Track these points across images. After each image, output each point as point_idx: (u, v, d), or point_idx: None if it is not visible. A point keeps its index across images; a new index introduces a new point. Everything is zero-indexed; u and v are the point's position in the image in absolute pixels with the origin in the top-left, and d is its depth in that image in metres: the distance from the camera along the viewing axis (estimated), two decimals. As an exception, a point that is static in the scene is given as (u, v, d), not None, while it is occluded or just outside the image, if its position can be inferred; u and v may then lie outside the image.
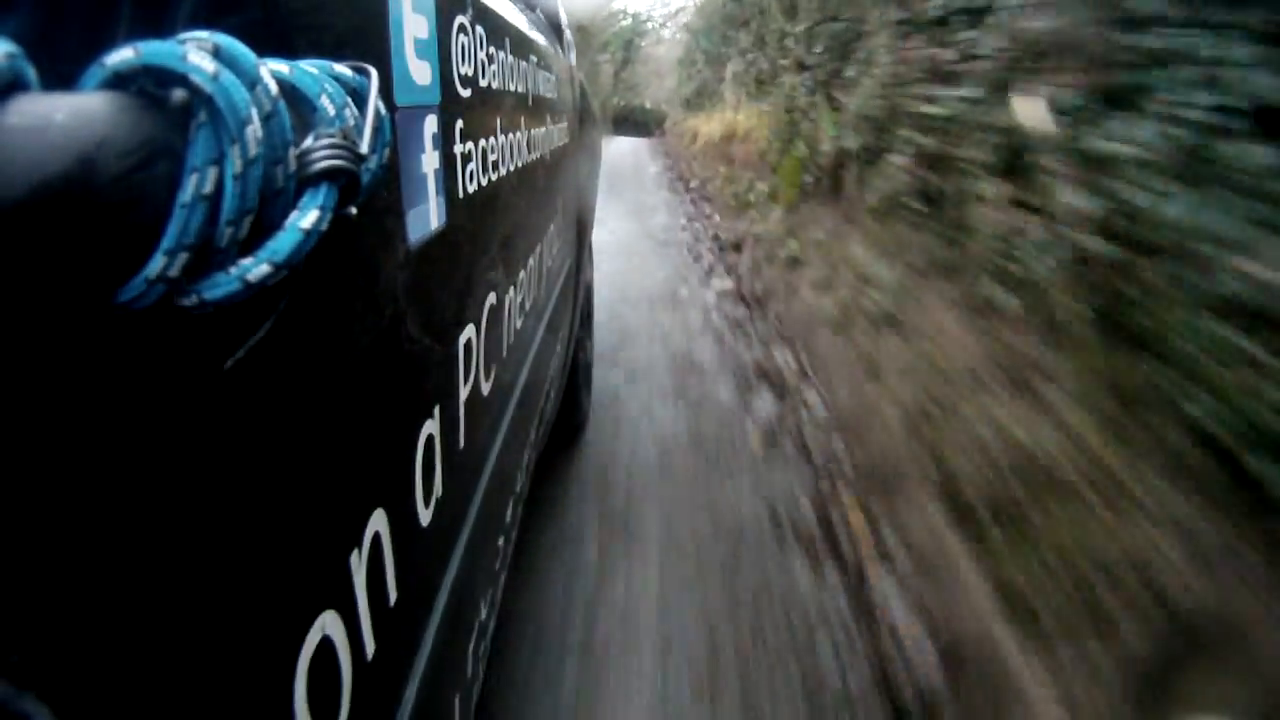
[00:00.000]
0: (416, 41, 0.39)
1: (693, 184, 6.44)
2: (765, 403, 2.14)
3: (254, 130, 0.18)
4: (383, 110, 0.26)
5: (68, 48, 0.17)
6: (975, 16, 1.65)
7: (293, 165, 0.21)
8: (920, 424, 1.50)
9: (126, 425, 0.17)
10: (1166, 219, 0.98)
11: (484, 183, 0.56)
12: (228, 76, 0.18)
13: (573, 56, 1.48)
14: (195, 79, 0.18)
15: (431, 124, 0.42)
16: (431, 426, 0.43)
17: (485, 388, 0.59)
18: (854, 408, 1.85)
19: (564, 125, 1.12)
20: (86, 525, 0.16)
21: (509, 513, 0.76)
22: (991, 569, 1.13)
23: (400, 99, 0.36)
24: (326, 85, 0.23)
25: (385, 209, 0.34)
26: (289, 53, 0.23)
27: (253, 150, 0.19)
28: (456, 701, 0.53)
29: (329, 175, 0.21)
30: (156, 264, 0.17)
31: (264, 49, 0.21)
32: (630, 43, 14.23)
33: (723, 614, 1.25)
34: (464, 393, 0.51)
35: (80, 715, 0.16)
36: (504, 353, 0.67)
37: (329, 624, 0.29)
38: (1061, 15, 1.31)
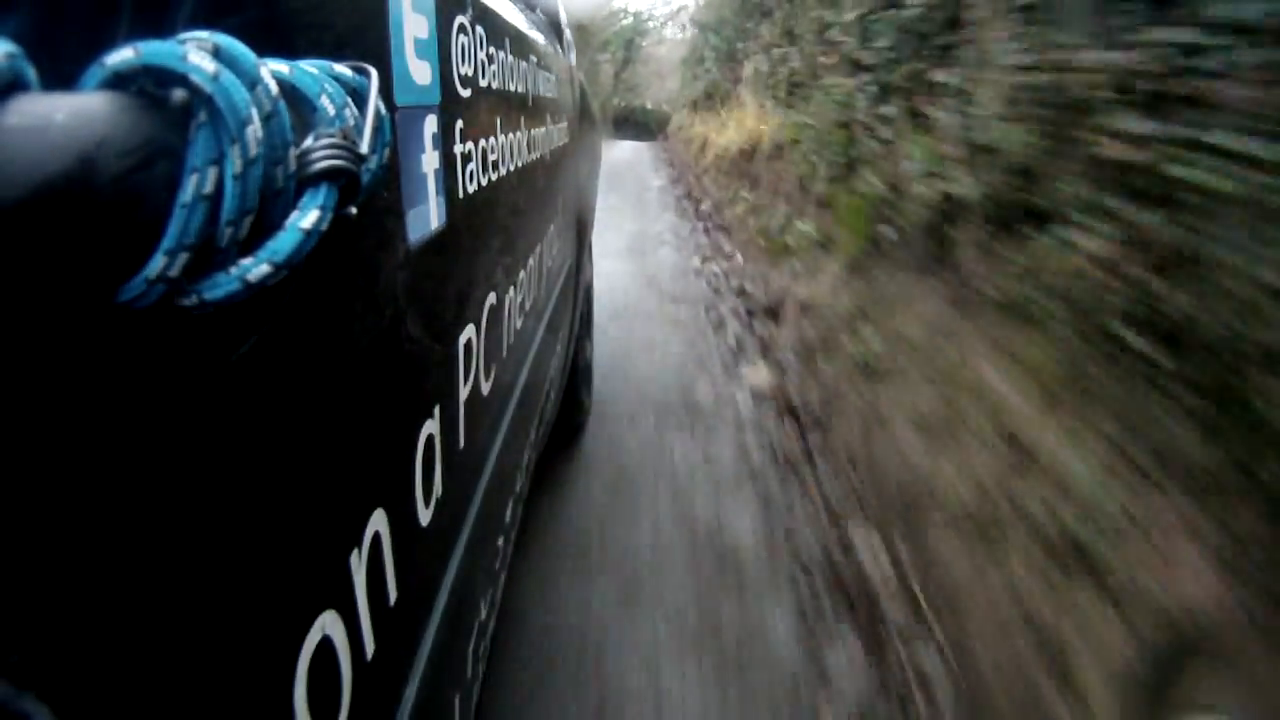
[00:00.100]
0: (416, 41, 0.39)
1: (704, 205, 5.32)
2: (846, 667, 1.14)
3: (254, 130, 0.18)
4: (383, 110, 0.26)
5: (68, 48, 0.17)
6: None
7: (293, 165, 0.21)
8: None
9: (127, 425, 0.17)
10: None
11: (484, 183, 0.56)
12: (228, 76, 0.18)
13: (573, 56, 1.48)
14: (195, 79, 0.18)
15: (431, 124, 0.42)
16: (431, 426, 0.43)
17: (485, 388, 0.59)
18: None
19: (564, 125, 1.12)
20: (87, 525, 0.16)
21: (509, 513, 0.76)
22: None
23: (400, 99, 0.36)
24: (326, 85, 0.23)
25: (385, 209, 0.34)
26: (289, 53, 0.23)
27: (253, 150, 0.19)
28: (456, 701, 0.53)
29: (329, 175, 0.21)
30: (157, 264, 0.17)
31: (264, 49, 0.21)
32: (631, 42, 13.91)
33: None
34: (464, 393, 0.51)
35: (80, 715, 0.16)
36: (504, 353, 0.67)
37: (329, 624, 0.29)
38: None
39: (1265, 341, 0.82)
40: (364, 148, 0.24)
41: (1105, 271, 1.08)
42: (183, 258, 0.17)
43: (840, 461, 1.67)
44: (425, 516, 0.42)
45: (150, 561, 0.18)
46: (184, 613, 0.20)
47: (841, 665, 1.13)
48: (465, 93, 0.50)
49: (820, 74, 3.11)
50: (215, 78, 0.18)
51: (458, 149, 0.48)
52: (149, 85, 0.18)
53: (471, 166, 0.52)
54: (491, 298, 0.59)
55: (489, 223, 0.58)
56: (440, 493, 0.45)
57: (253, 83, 0.19)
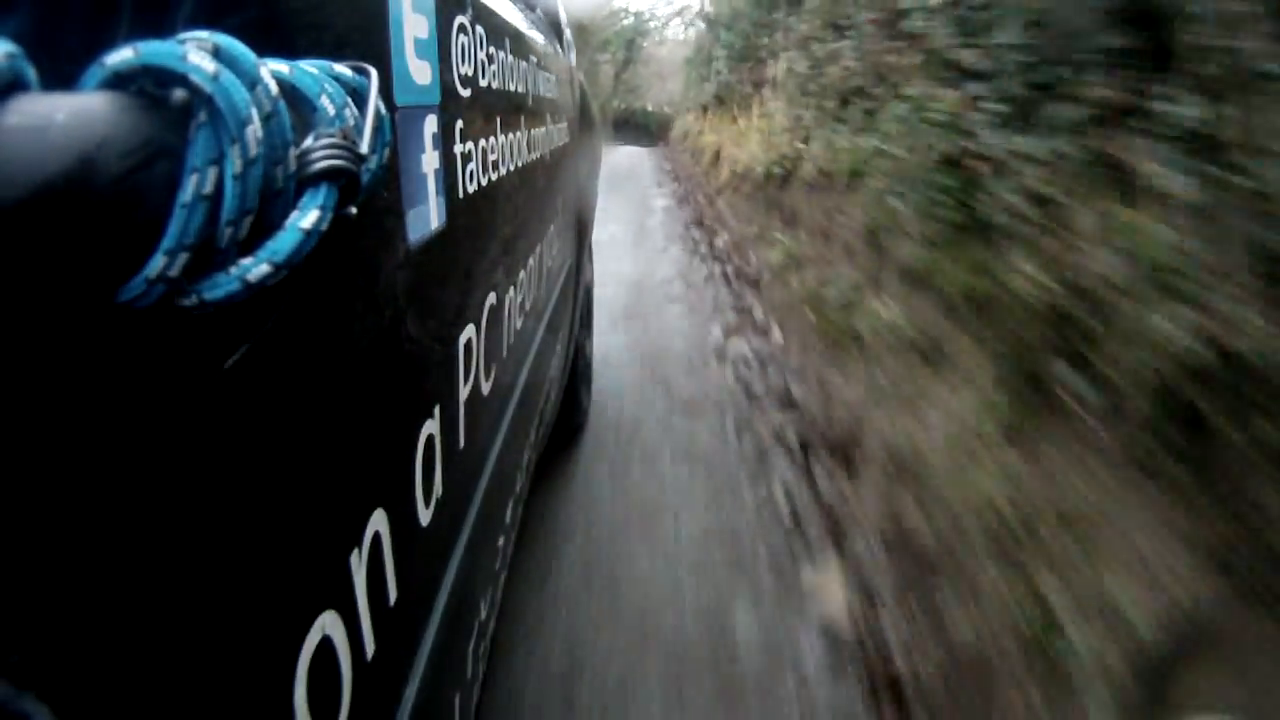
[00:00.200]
0: (416, 41, 0.39)
1: (720, 239, 4.09)
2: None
3: (254, 130, 0.18)
4: (383, 110, 0.26)
5: (68, 48, 0.17)
6: None
7: (293, 165, 0.21)
8: None
9: (127, 425, 0.17)
10: None
11: (484, 183, 0.56)
12: (228, 76, 0.18)
13: (573, 56, 1.48)
14: (195, 79, 0.18)
15: (431, 124, 0.42)
16: (431, 426, 0.43)
17: (485, 388, 0.59)
18: None
19: (564, 125, 1.12)
20: (87, 525, 0.16)
21: (509, 513, 0.76)
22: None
23: (400, 99, 0.36)
24: (326, 85, 0.23)
25: (385, 209, 0.34)
26: (289, 53, 0.23)
27: (253, 150, 0.19)
28: (456, 701, 0.53)
29: (329, 175, 0.21)
30: (157, 264, 0.17)
31: (264, 49, 0.21)
32: (632, 42, 13.66)
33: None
34: (464, 393, 0.51)
35: (80, 715, 0.16)
36: (504, 353, 0.67)
37: (329, 624, 0.29)
38: None
39: None
40: (364, 148, 0.24)
41: None
42: (183, 258, 0.17)
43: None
44: (425, 516, 0.42)
45: (150, 561, 0.18)
46: (184, 613, 0.20)
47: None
48: (465, 93, 0.50)
49: (891, 78, 2.23)
50: (215, 78, 0.18)
51: (458, 149, 0.48)
52: (149, 85, 0.18)
53: (471, 166, 0.52)
54: (491, 298, 0.59)
55: (489, 223, 0.58)
56: (440, 493, 0.45)
57: (253, 83, 0.19)
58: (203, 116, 0.18)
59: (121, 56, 0.17)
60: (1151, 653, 0.80)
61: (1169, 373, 0.91)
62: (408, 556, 0.38)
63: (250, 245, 0.19)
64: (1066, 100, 1.27)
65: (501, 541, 0.72)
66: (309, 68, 0.23)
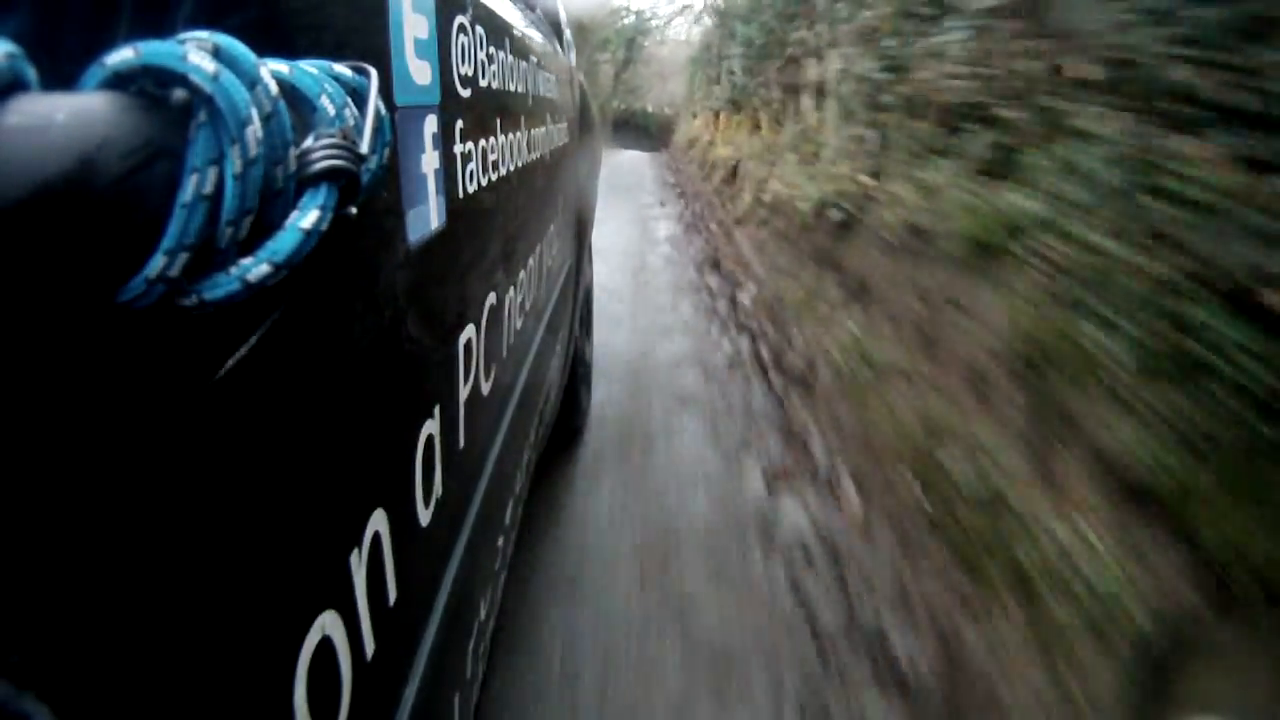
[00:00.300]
0: (416, 41, 0.39)
1: (746, 297, 2.91)
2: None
3: (254, 130, 0.18)
4: (383, 110, 0.26)
5: (68, 48, 0.17)
6: None
7: (293, 165, 0.21)
8: None
9: (127, 425, 0.17)
10: None
11: (484, 183, 0.56)
12: (228, 76, 0.18)
13: (573, 56, 1.48)
14: (195, 79, 0.18)
15: (431, 124, 0.42)
16: (431, 426, 0.43)
17: (485, 388, 0.59)
18: None
19: (564, 125, 1.12)
20: (87, 525, 0.16)
21: (509, 513, 0.76)
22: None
23: (400, 99, 0.36)
24: (326, 85, 0.23)
25: (385, 209, 0.34)
26: (289, 53, 0.23)
27: (253, 150, 0.19)
28: (456, 701, 0.53)
29: (329, 175, 0.21)
30: (157, 264, 0.17)
31: (264, 49, 0.21)
32: (633, 41, 13.49)
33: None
34: (464, 393, 0.51)
35: (80, 715, 0.16)
36: (504, 353, 0.67)
37: (329, 624, 0.29)
38: None
39: None
40: (364, 148, 0.24)
41: None
42: (183, 258, 0.17)
43: None
44: (425, 517, 0.42)
45: (150, 561, 0.18)
46: (184, 613, 0.20)
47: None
48: (465, 93, 0.50)
49: (1038, 98, 1.44)
50: (215, 78, 0.18)
51: (458, 149, 0.48)
52: (149, 85, 0.18)
53: (471, 166, 0.52)
54: (491, 298, 0.59)
55: (489, 223, 0.58)
56: (440, 493, 0.45)
57: (253, 83, 0.19)
58: (203, 116, 0.18)
59: (121, 56, 0.17)
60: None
61: None
62: (407, 556, 0.38)
63: (250, 245, 0.19)
64: None
65: (501, 542, 0.72)
66: (309, 68, 0.23)
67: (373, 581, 0.33)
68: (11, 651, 0.14)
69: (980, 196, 1.57)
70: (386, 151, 0.27)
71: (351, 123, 0.23)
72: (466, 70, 0.51)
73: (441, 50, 0.44)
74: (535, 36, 0.91)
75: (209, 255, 0.18)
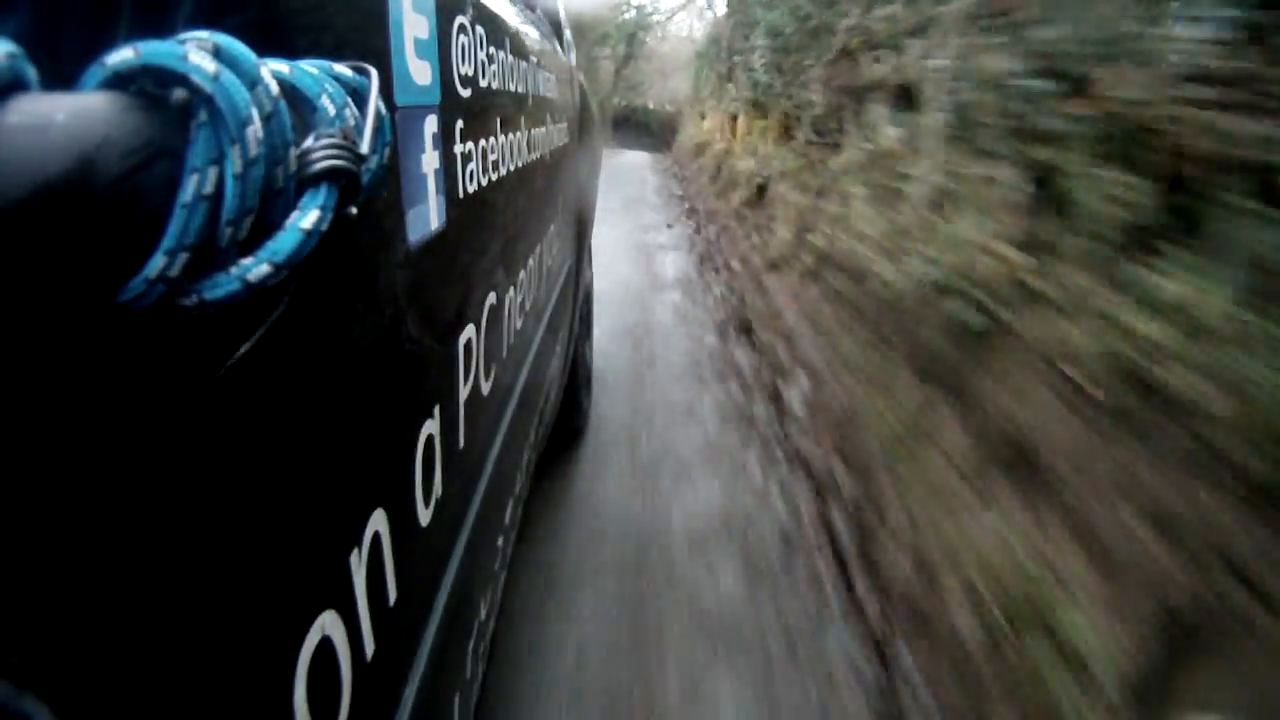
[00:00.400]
0: (416, 41, 0.39)
1: (794, 394, 1.97)
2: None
3: (254, 130, 0.18)
4: (383, 110, 0.26)
5: (68, 48, 0.17)
6: None
7: (293, 165, 0.21)
8: None
9: (127, 425, 0.17)
10: None
11: (484, 183, 0.56)
12: (228, 76, 0.18)
13: (573, 56, 1.48)
14: (195, 79, 0.18)
15: (431, 124, 0.42)
16: (431, 426, 0.43)
17: (485, 388, 0.59)
18: None
19: (564, 125, 1.12)
20: (87, 525, 0.16)
21: (508, 513, 0.76)
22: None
23: (400, 99, 0.36)
24: (327, 85, 0.23)
25: (385, 209, 0.34)
26: (289, 53, 0.23)
27: (253, 150, 0.19)
28: (456, 701, 0.53)
29: (329, 175, 0.21)
30: (157, 264, 0.17)
31: (264, 49, 0.21)
32: (634, 37, 13.25)
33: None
34: (464, 393, 0.51)
35: (80, 715, 0.16)
36: (504, 353, 0.67)
37: (329, 624, 0.29)
38: None
39: None
40: (364, 148, 0.24)
41: None
42: (183, 258, 0.17)
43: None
44: (425, 516, 0.42)
45: (150, 562, 0.18)
46: (184, 613, 0.20)
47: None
48: (465, 93, 0.50)
49: None
50: (215, 78, 0.18)
51: (458, 149, 0.48)
52: (149, 85, 0.18)
53: (471, 166, 0.52)
54: (491, 298, 0.59)
55: (489, 223, 0.58)
56: (440, 493, 0.45)
57: (253, 83, 0.19)
58: (203, 116, 0.18)
59: (121, 56, 0.17)
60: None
61: None
62: (407, 556, 0.38)
63: (250, 245, 0.19)
64: None
65: (501, 541, 0.72)
66: (309, 68, 0.23)
67: (373, 581, 0.33)
68: (11, 651, 0.14)
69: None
70: (387, 151, 0.27)
71: (352, 123, 0.23)
72: (467, 70, 0.51)
73: (442, 50, 0.44)
74: (535, 36, 0.91)
75: (209, 255, 0.18)
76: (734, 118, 5.48)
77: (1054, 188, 1.35)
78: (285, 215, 0.20)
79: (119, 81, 0.17)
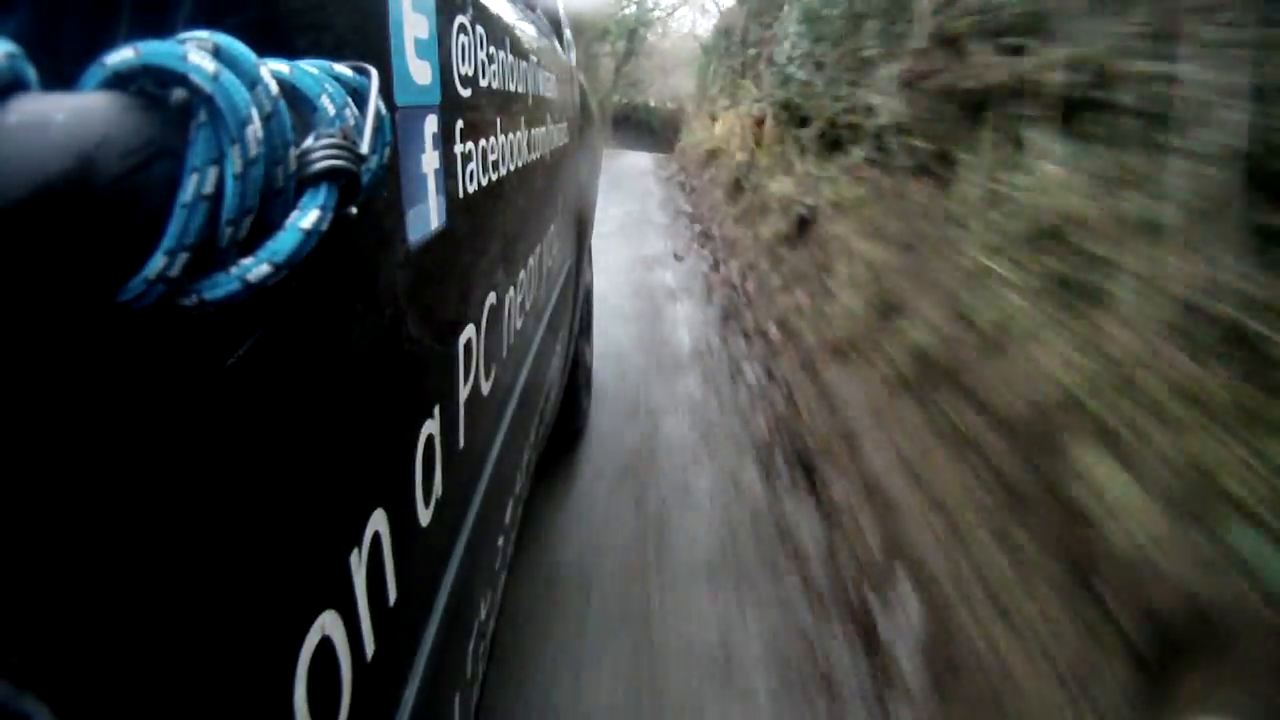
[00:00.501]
0: (416, 41, 0.39)
1: (903, 651, 0.96)
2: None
3: (254, 130, 0.18)
4: (383, 110, 0.26)
5: (68, 48, 0.17)
6: None
7: (293, 165, 0.21)
8: None
9: (127, 425, 0.17)
10: None
11: (484, 183, 0.56)
12: (228, 76, 0.18)
13: (573, 56, 1.48)
14: (195, 79, 0.18)
15: (431, 124, 0.42)
16: (431, 426, 0.43)
17: (485, 388, 0.59)
18: None
19: (564, 125, 1.12)
20: (87, 525, 0.16)
21: (509, 513, 0.76)
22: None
23: (400, 99, 0.36)
24: (327, 85, 0.23)
25: (385, 209, 0.34)
26: (289, 53, 0.23)
27: (253, 150, 0.18)
28: (456, 701, 0.53)
29: (329, 175, 0.21)
30: (157, 264, 0.17)
31: (264, 49, 0.21)
32: (634, 33, 13.01)
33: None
34: (464, 393, 0.51)
35: (80, 715, 0.16)
36: (504, 353, 0.67)
37: (329, 624, 0.29)
38: None
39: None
40: (364, 148, 0.24)
41: None
42: (183, 258, 0.17)
43: None
44: (425, 516, 0.42)
45: (150, 562, 0.18)
46: (184, 613, 0.20)
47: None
48: (465, 93, 0.50)
49: None
50: (215, 78, 0.18)
51: (458, 149, 0.48)
52: (149, 85, 0.18)
53: (471, 166, 0.52)
54: (491, 298, 0.59)
55: (489, 223, 0.58)
56: (440, 493, 0.45)
57: (253, 83, 0.19)
58: (203, 116, 0.18)
59: (121, 56, 0.17)
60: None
61: None
62: (408, 556, 0.38)
63: (250, 245, 0.19)
64: None
65: (501, 541, 0.72)
66: (309, 68, 0.23)
67: (373, 581, 0.33)
68: (11, 651, 0.14)
69: None
70: (387, 151, 0.27)
71: (352, 123, 0.23)
72: (467, 70, 0.51)
73: (442, 50, 0.44)
74: (535, 36, 0.91)
75: (209, 255, 0.18)
76: (758, 122, 4.31)
77: None
78: (285, 215, 0.20)
79: (119, 81, 0.17)
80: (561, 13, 1.43)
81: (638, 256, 3.70)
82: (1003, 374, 1.20)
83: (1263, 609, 0.70)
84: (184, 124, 0.18)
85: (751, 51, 5.16)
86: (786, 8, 3.97)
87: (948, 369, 1.35)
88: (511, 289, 0.69)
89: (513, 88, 0.70)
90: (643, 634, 1.15)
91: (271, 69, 0.21)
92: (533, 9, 1.04)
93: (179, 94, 0.18)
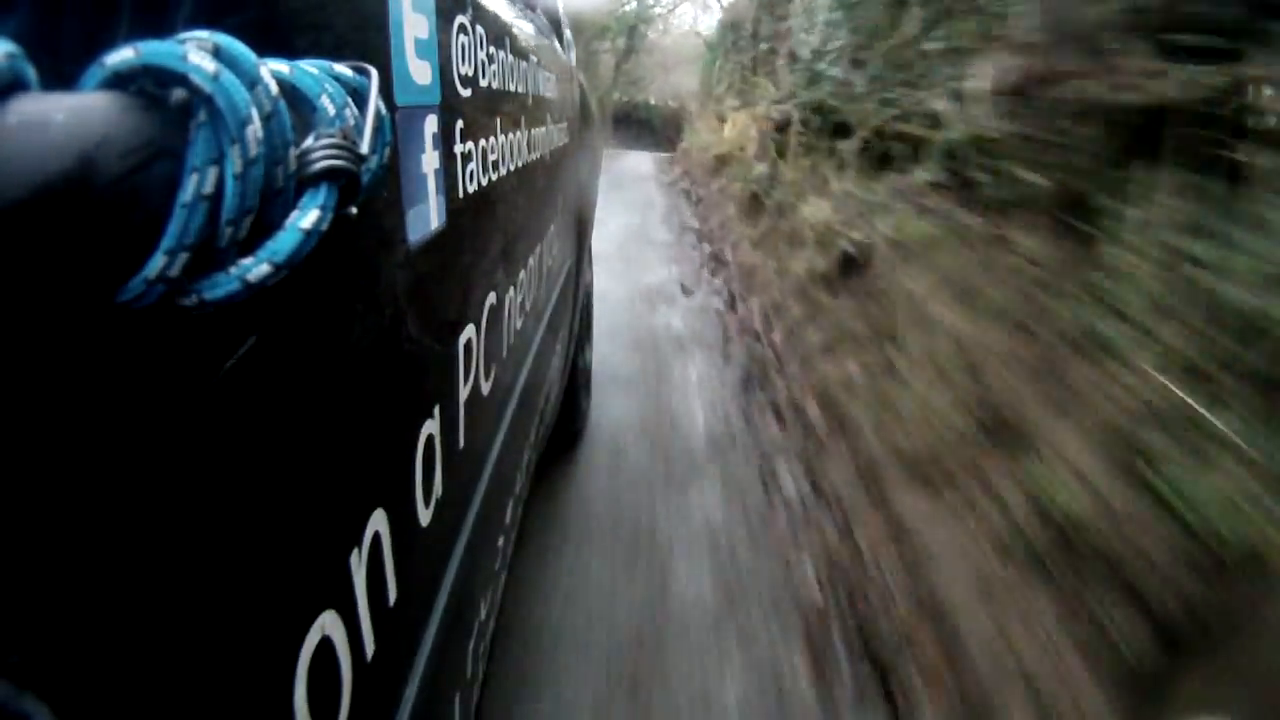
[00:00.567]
0: (416, 41, 0.39)
1: None
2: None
3: (254, 130, 0.18)
4: (383, 110, 0.26)
5: (68, 48, 0.17)
6: None
7: (293, 165, 0.21)
8: None
9: (127, 425, 0.17)
10: None
11: (484, 183, 0.56)
12: (228, 76, 0.18)
13: (573, 56, 1.48)
14: (195, 79, 0.18)
15: (431, 124, 0.42)
16: (431, 426, 0.43)
17: (485, 388, 0.59)
18: None
19: (564, 125, 1.12)
20: (87, 525, 0.16)
21: (509, 513, 0.76)
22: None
23: (400, 99, 0.36)
24: (327, 85, 0.23)
25: (385, 209, 0.34)
26: (289, 53, 0.23)
27: (253, 150, 0.18)
28: (456, 701, 0.53)
29: (329, 175, 0.21)
30: (157, 264, 0.17)
31: (264, 49, 0.21)
32: (634, 30, 12.82)
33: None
34: (464, 393, 0.51)
35: (80, 715, 0.16)
36: (504, 353, 0.67)
37: (329, 624, 0.29)
38: None
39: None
40: (364, 148, 0.24)
41: None
42: (183, 258, 0.17)
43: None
44: (425, 516, 0.42)
45: (150, 562, 0.18)
46: (184, 613, 0.20)
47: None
48: (465, 93, 0.50)
49: None
50: (215, 78, 0.18)
51: (458, 149, 0.48)
52: (149, 85, 0.18)
53: (471, 166, 0.52)
54: (491, 298, 0.59)
55: (489, 223, 0.58)
56: (440, 493, 0.45)
57: (253, 83, 0.19)
58: (203, 116, 0.18)
59: (121, 56, 0.17)
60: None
61: None
62: (408, 556, 0.38)
63: (250, 245, 0.19)
64: None
65: (501, 541, 0.72)
66: (309, 68, 0.23)
67: (373, 581, 0.33)
68: (11, 651, 0.14)
69: None
70: (386, 151, 0.27)
71: (352, 123, 0.23)
72: (467, 70, 0.51)
73: (442, 50, 0.44)
74: (535, 36, 0.91)
75: (209, 255, 0.18)
76: (779, 127, 3.65)
77: None
78: (285, 215, 0.20)
79: (119, 81, 0.17)
80: (561, 11, 1.43)
81: (638, 288, 3.08)
82: (1202, 573, 0.70)
83: None
84: (184, 124, 0.18)
85: (764, 46, 4.60)
86: (803, -4, 3.19)
87: (1107, 553, 0.84)
88: (511, 289, 0.69)
89: (513, 88, 0.70)
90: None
91: (271, 69, 0.21)
92: (532, 8, 1.04)
93: (179, 94, 0.18)
